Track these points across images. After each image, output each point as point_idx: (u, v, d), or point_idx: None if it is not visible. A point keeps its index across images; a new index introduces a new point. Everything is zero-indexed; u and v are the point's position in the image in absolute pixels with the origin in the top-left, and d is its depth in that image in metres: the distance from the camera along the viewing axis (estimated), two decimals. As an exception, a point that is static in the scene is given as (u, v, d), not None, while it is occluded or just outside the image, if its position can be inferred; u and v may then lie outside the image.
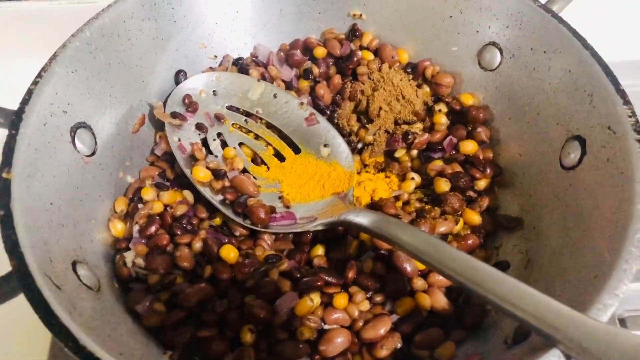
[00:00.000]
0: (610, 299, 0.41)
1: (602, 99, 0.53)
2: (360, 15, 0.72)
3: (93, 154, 0.57)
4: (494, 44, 0.65)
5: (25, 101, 0.51)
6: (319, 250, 0.59)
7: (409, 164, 0.67)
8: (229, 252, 0.56)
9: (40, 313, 0.40)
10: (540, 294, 0.41)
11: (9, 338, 0.63)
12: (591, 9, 0.71)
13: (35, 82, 0.52)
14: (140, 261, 0.55)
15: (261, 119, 0.68)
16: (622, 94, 0.51)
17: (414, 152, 0.67)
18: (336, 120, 0.70)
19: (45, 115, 0.52)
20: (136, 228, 0.57)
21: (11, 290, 0.43)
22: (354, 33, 0.72)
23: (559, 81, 0.58)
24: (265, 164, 0.65)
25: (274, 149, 0.67)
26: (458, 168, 0.63)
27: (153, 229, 0.56)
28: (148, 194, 0.59)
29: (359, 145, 0.69)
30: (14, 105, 0.51)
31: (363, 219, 0.54)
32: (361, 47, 0.72)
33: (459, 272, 0.45)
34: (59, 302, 0.41)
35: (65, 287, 0.45)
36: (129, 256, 0.55)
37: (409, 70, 0.71)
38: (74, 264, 0.49)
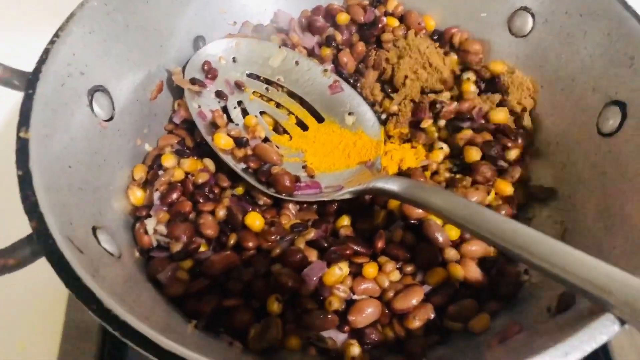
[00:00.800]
0: (663, 264, 0.39)
1: (646, 61, 0.51)
2: (386, -21, 0.70)
3: (111, 119, 0.55)
4: (525, 8, 0.63)
5: (42, 60, 0.49)
6: (345, 220, 0.57)
7: (436, 135, 0.64)
8: (254, 220, 0.54)
9: (62, 275, 0.38)
10: (591, 257, 0.39)
11: (18, 332, 0.61)
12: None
13: (52, 42, 0.50)
14: (162, 228, 0.53)
15: (282, 87, 0.66)
16: (666, 55, 0.49)
17: (442, 122, 0.64)
18: (359, 90, 0.67)
19: (62, 76, 0.50)
20: (157, 195, 0.55)
21: (31, 254, 0.41)
22: (378, -1, 0.69)
23: (597, 45, 0.56)
24: (288, 133, 0.63)
25: (296, 117, 0.65)
26: (489, 137, 0.61)
27: (175, 195, 0.54)
28: (168, 160, 0.57)
29: (383, 116, 0.67)
30: (28, 70, 0.49)
31: (394, 185, 0.51)
32: (386, 14, 0.70)
33: (502, 236, 0.42)
34: (82, 265, 0.39)
35: (87, 251, 0.43)
36: (150, 223, 0.53)
37: (435, 37, 0.69)
38: (94, 229, 0.47)
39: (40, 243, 0.40)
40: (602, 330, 0.36)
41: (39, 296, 0.61)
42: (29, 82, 0.48)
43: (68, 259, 0.39)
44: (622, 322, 0.37)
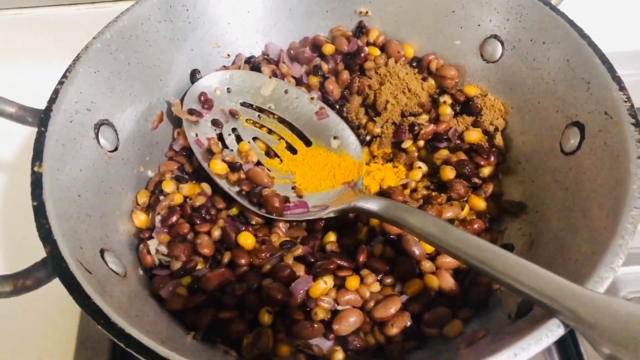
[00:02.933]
0: (606, 272, 0.44)
1: (599, 86, 0.55)
2: (367, 12, 0.75)
3: (115, 149, 0.61)
4: (495, 36, 0.68)
5: (52, 100, 0.54)
6: (331, 236, 0.62)
7: (416, 154, 0.69)
8: (247, 239, 0.59)
9: (74, 294, 0.43)
10: (541, 269, 0.43)
11: (35, 345, 0.65)
12: (588, 1, 0.74)
13: (61, 82, 0.56)
14: (163, 249, 0.58)
15: (273, 114, 0.71)
16: (617, 80, 0.54)
17: (421, 143, 0.69)
18: (345, 114, 0.73)
19: (71, 113, 0.55)
20: (158, 218, 0.60)
21: (46, 275, 0.46)
22: (360, 30, 0.75)
23: (558, 70, 0.61)
24: (279, 157, 0.68)
25: (287, 142, 0.70)
26: (463, 156, 0.66)
27: (174, 218, 0.60)
28: (168, 186, 0.63)
29: (367, 138, 0.72)
30: (40, 106, 0.55)
31: (373, 204, 0.56)
32: (368, 44, 0.74)
33: (465, 251, 0.47)
34: (91, 285, 0.44)
35: (95, 272, 0.48)
36: (152, 244, 0.58)
37: (414, 64, 0.74)
38: (101, 251, 0.52)
39: (54, 266, 0.45)
40: (548, 333, 0.41)
41: (55, 311, 0.66)
42: (41, 120, 0.53)
43: (79, 280, 0.44)
44: (567, 326, 0.41)
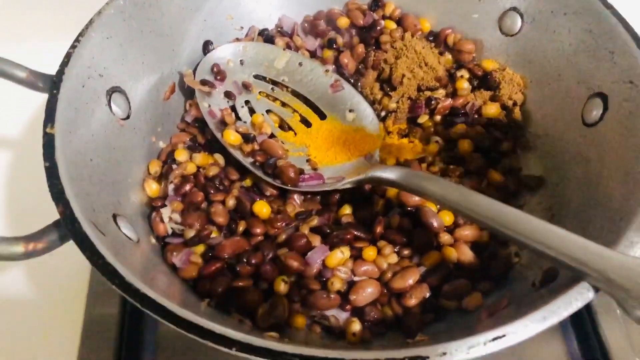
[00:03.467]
0: (636, 237, 0.43)
1: (623, 55, 0.54)
2: (383, -15, 0.74)
3: (127, 117, 0.59)
4: (514, 9, 0.67)
5: (64, 63, 0.53)
6: (347, 209, 0.61)
7: (432, 129, 0.68)
8: (262, 208, 0.58)
9: (87, 253, 0.42)
10: (568, 233, 0.43)
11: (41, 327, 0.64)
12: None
13: (73, 46, 0.55)
14: (176, 217, 0.57)
15: (287, 87, 0.70)
16: (643, 47, 0.53)
17: (437, 118, 0.68)
18: (360, 89, 0.71)
19: (83, 78, 0.54)
20: (171, 187, 0.59)
21: (58, 238, 0.45)
22: (376, 3, 0.73)
23: (580, 42, 0.60)
24: (292, 130, 0.67)
25: (300, 115, 0.69)
26: (481, 130, 0.65)
27: (187, 187, 0.58)
28: (181, 155, 0.62)
29: (383, 113, 0.70)
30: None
31: (391, 173, 0.55)
32: (384, 17, 0.73)
33: (490, 216, 0.46)
34: (105, 246, 0.43)
35: (108, 234, 0.47)
36: (165, 212, 0.57)
37: (431, 38, 0.72)
38: (114, 216, 0.51)
39: (66, 226, 0.43)
40: (578, 297, 0.40)
41: (61, 293, 0.65)
42: (53, 83, 0.52)
43: (92, 240, 0.43)
44: (596, 289, 0.40)
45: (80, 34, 0.56)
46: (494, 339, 0.38)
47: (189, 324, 0.39)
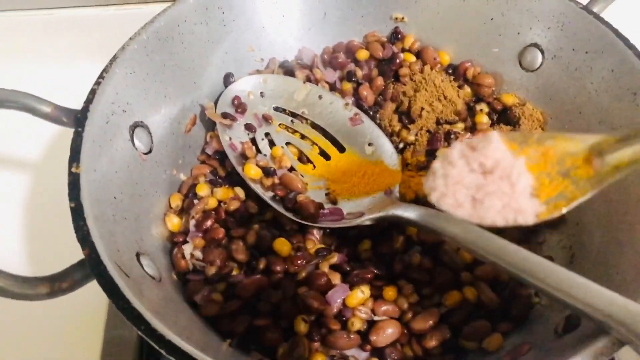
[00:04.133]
0: (662, 287, 0.43)
1: (646, 97, 0.54)
2: (403, 18, 0.74)
3: (149, 151, 0.60)
4: (535, 45, 0.67)
5: (89, 100, 0.53)
6: (366, 244, 0.61)
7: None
8: (282, 245, 0.58)
9: (113, 298, 0.42)
10: (592, 283, 0.42)
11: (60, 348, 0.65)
12: (633, 9, 0.72)
13: (97, 82, 0.55)
14: (198, 253, 0.57)
15: (307, 119, 0.70)
16: (666, 91, 0.53)
17: (456, 151, 0.68)
18: (378, 121, 0.71)
19: (107, 114, 0.54)
20: (192, 222, 0.59)
21: (82, 278, 0.45)
22: (396, 36, 0.74)
23: (602, 81, 0.60)
24: (312, 162, 0.67)
25: (320, 148, 0.69)
26: (501, 166, 0.65)
27: (209, 222, 0.59)
28: (203, 190, 0.62)
29: (401, 145, 0.70)
30: (70, 107, 0.54)
31: (412, 213, 0.55)
32: (403, 50, 0.74)
33: (510, 262, 0.46)
34: (129, 288, 0.43)
35: (132, 275, 0.47)
36: (187, 249, 0.57)
37: (450, 71, 0.73)
38: (137, 255, 0.51)
39: (92, 269, 0.44)
40: (603, 350, 0.40)
41: (80, 315, 0.65)
42: (77, 120, 0.52)
43: (118, 283, 0.43)
44: (622, 343, 0.40)
45: (104, 70, 0.56)
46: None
47: (214, 373, 0.39)
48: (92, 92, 0.54)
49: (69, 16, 0.88)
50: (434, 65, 0.72)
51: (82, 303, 0.64)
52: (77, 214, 0.46)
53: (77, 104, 0.54)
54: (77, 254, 0.45)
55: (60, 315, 0.66)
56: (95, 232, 0.46)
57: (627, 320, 0.39)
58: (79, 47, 0.88)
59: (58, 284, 0.45)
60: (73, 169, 0.49)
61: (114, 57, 0.57)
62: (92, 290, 0.63)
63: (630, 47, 0.57)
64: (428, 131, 0.69)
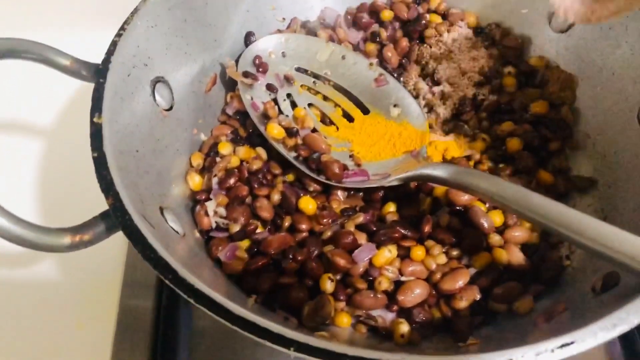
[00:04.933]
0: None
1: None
2: (429, -22, 0.72)
3: (170, 108, 0.59)
4: (567, 4, 0.65)
5: (110, 52, 0.52)
6: (391, 207, 0.59)
7: (478, 126, 0.66)
8: (308, 204, 0.56)
9: (139, 247, 0.41)
10: (633, 235, 0.41)
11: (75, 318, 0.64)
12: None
13: (119, 34, 0.54)
14: (221, 210, 0.56)
15: (329, 80, 0.69)
16: None
17: (483, 114, 0.66)
18: (402, 84, 0.70)
19: (128, 67, 0.53)
20: (215, 180, 0.58)
21: (105, 230, 0.44)
22: (422, -4, 0.72)
23: (637, 39, 0.58)
24: (335, 125, 0.66)
25: (343, 109, 0.67)
26: (529, 128, 0.63)
27: (232, 180, 0.57)
28: (225, 148, 0.61)
29: (425, 109, 0.69)
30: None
31: (441, 171, 0.54)
32: (429, 11, 0.72)
33: (548, 217, 0.45)
34: (156, 239, 0.42)
35: (158, 227, 0.46)
36: (210, 206, 0.56)
37: (477, 33, 0.71)
38: (161, 209, 0.50)
39: (117, 219, 0.42)
40: (646, 305, 0.38)
41: (95, 284, 0.65)
42: (99, 71, 0.51)
43: (144, 233, 0.42)
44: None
45: (126, 22, 0.55)
46: (562, 345, 0.37)
47: (245, 322, 0.38)
48: (114, 44, 0.53)
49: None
50: (460, 26, 0.70)
51: (96, 272, 0.65)
52: (100, 163, 0.45)
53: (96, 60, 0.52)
54: (95, 213, 0.44)
55: (74, 285, 0.66)
56: (119, 182, 0.45)
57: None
58: (98, 6, 0.86)
59: (80, 235, 0.44)
60: (95, 119, 0.48)
61: (136, 9, 0.56)
62: (108, 258, 0.64)
63: (669, 4, 0.55)
64: (454, 94, 0.67)
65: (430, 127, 0.67)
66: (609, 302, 0.43)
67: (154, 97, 0.56)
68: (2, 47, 0.49)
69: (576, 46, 0.65)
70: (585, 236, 0.42)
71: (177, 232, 0.50)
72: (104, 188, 0.44)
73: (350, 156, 0.63)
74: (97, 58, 0.52)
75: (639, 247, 0.40)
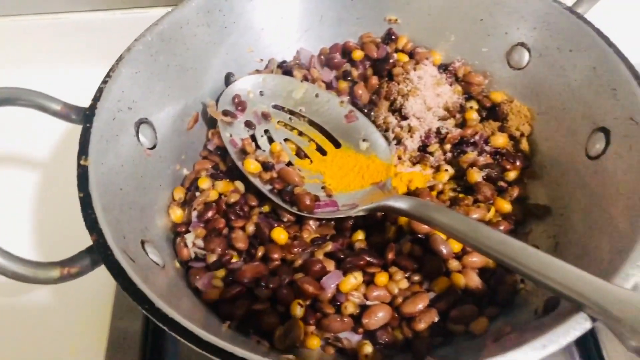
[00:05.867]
0: (632, 270, 0.45)
1: (625, 93, 0.57)
2: (396, 20, 0.77)
3: (154, 147, 0.63)
4: (522, 44, 0.70)
5: (96, 98, 0.57)
6: (360, 235, 0.64)
7: (442, 158, 0.71)
8: (280, 234, 0.61)
9: (119, 280, 0.45)
10: (569, 265, 0.45)
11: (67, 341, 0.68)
12: (614, 10, 0.75)
13: (104, 81, 0.58)
14: (199, 242, 0.61)
15: (304, 116, 0.74)
16: (643, 87, 0.56)
17: (447, 147, 0.71)
18: (373, 118, 0.74)
19: (113, 111, 0.58)
20: (194, 213, 0.62)
21: (90, 263, 0.48)
22: (390, 37, 0.77)
23: (584, 77, 0.62)
24: (309, 158, 0.70)
25: (316, 144, 0.72)
26: (490, 160, 0.68)
27: (210, 213, 0.62)
28: (204, 183, 0.65)
29: (394, 142, 0.73)
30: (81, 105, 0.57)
31: (403, 203, 0.58)
32: (397, 50, 0.77)
33: (495, 248, 0.49)
34: (135, 272, 0.46)
35: (138, 261, 0.50)
36: (189, 238, 0.61)
37: (441, 70, 0.75)
38: (142, 242, 0.54)
39: (100, 254, 0.47)
40: (576, 326, 0.42)
41: (87, 308, 0.69)
42: (86, 117, 0.55)
43: (124, 267, 0.46)
44: (594, 319, 0.43)
45: (111, 69, 0.59)
46: (497, 364, 0.41)
47: (212, 347, 0.42)
48: (100, 91, 0.58)
49: (77, 20, 0.92)
50: (425, 65, 0.75)
51: (88, 296, 0.69)
52: (86, 203, 0.50)
53: (85, 103, 0.57)
54: (85, 244, 0.48)
55: (67, 308, 0.70)
56: (103, 219, 0.49)
57: (597, 298, 0.42)
58: (87, 49, 0.91)
59: (68, 268, 0.48)
60: (82, 162, 0.52)
61: (120, 57, 0.61)
62: (99, 282, 0.67)
63: (611, 45, 0.60)
64: (420, 127, 0.72)
65: (399, 158, 0.72)
66: (547, 324, 0.47)
67: (137, 137, 0.61)
68: (-1, 96, 0.53)
69: (532, 82, 0.70)
70: (527, 266, 0.47)
71: (157, 264, 0.54)
72: (88, 226, 0.48)
73: (323, 187, 0.67)
74: (89, 94, 0.57)
75: (571, 276, 0.44)
